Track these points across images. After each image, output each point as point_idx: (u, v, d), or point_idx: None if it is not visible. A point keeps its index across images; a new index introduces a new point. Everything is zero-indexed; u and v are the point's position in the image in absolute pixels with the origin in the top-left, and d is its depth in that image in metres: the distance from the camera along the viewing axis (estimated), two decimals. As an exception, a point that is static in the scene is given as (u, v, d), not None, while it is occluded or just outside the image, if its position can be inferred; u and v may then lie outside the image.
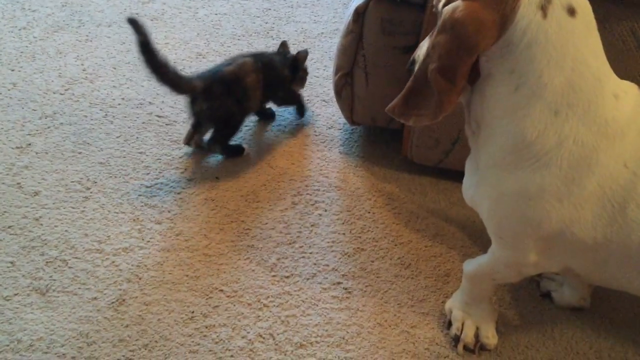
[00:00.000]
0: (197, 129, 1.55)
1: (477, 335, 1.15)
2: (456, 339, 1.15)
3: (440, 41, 0.84)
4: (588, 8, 0.84)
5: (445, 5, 0.86)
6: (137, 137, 1.59)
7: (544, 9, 0.80)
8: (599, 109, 0.84)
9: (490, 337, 1.15)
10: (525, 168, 0.88)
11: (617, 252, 0.89)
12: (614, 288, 1.01)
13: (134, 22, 1.35)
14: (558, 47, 0.81)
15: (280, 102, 1.71)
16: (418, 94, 0.92)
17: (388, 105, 0.97)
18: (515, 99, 0.85)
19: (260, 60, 1.58)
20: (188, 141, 1.56)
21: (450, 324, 1.17)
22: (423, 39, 1.40)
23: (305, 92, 1.82)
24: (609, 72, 0.87)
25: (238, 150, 1.57)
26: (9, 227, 1.31)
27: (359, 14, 1.43)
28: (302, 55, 1.65)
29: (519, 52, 0.82)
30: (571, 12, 0.81)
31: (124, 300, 1.18)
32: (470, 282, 1.12)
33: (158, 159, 1.53)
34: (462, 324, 1.15)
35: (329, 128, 1.69)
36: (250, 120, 1.69)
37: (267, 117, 1.73)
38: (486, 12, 0.80)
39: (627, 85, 0.90)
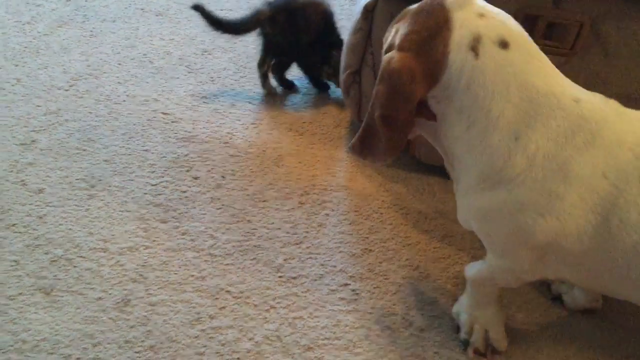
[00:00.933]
0: (267, 53, 1.74)
1: (486, 339, 1.13)
2: (466, 343, 1.14)
3: (380, 90, 0.87)
4: (522, 37, 0.85)
5: (385, 52, 0.89)
6: (142, 135, 1.58)
7: (474, 49, 0.82)
8: (559, 120, 0.83)
9: (500, 339, 1.13)
10: (502, 188, 0.87)
11: (607, 263, 0.87)
12: (613, 297, 0.99)
13: (196, 8, 1.70)
14: (498, 82, 0.82)
15: (309, 65, 1.80)
16: (371, 136, 0.94)
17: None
18: (470, 135, 0.87)
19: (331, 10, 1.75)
20: (262, 64, 1.75)
21: (459, 328, 1.16)
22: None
23: (313, 90, 1.81)
24: (564, 84, 0.86)
25: (291, 85, 1.81)
26: (13, 225, 1.29)
27: (368, 11, 1.41)
28: (339, 51, 1.66)
29: (460, 93, 0.84)
30: (504, 45, 0.82)
31: (129, 300, 1.17)
32: (473, 286, 1.11)
33: (163, 157, 1.51)
34: (471, 328, 1.14)
35: (336, 127, 1.68)
36: (257, 118, 1.68)
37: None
38: (418, 62, 0.83)
39: (591, 93, 0.88)
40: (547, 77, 0.84)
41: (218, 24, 1.70)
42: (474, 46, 0.82)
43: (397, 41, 0.86)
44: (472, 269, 1.10)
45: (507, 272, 1.01)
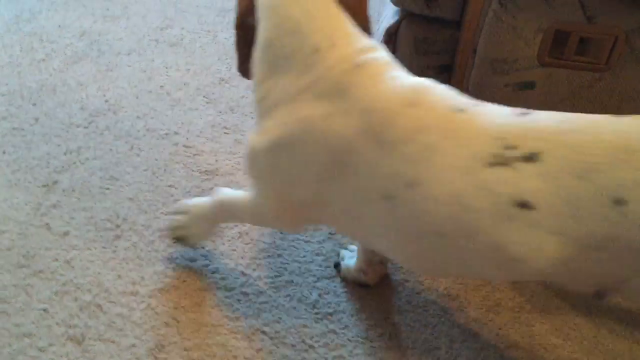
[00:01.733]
0: None
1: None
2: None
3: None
4: None
5: None
6: (165, 170, 1.55)
7: None
8: (296, 62, 0.89)
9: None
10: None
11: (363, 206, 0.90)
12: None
13: None
14: (271, 7, 0.91)
15: None
16: None
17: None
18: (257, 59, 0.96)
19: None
20: None
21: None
22: (459, 56, 1.35)
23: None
24: (328, 30, 0.88)
25: None
26: (40, 271, 1.26)
27: (391, 35, 1.38)
28: None
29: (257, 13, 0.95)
30: None
31: (163, 346, 1.13)
32: (217, 209, 1.18)
33: (188, 192, 1.48)
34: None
35: (361, 151, 1.64)
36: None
37: None
38: None
39: (350, 37, 0.89)
40: (314, 17, 0.88)
41: None
42: None
43: None
44: (225, 194, 1.17)
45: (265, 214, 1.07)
